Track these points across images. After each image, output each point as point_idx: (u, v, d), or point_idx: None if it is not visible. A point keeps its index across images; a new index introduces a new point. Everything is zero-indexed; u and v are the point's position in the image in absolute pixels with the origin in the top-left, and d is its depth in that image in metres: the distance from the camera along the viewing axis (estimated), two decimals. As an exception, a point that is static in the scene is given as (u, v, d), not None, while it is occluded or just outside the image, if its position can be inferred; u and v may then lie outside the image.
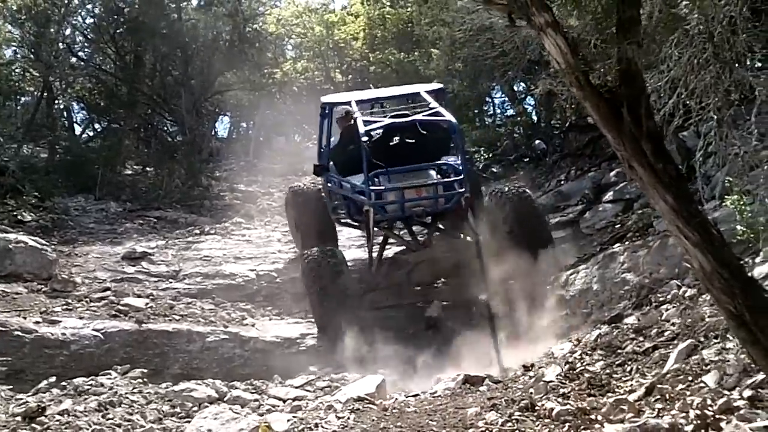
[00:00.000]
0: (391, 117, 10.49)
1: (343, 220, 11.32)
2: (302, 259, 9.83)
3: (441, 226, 10.65)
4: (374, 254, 10.39)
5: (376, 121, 10.18)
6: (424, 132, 10.27)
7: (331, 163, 10.97)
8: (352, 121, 10.33)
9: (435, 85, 11.94)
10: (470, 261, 9.53)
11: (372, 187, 9.64)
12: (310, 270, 9.44)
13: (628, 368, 5.40)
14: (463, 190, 9.65)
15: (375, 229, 10.19)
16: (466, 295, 9.50)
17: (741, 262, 3.83)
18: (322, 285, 9.24)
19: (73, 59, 20.23)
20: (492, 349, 7.80)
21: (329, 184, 11.05)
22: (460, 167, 9.86)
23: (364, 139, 9.58)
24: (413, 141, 10.25)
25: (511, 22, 3.48)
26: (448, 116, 10.06)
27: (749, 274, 3.70)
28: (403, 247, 10.96)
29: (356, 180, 10.11)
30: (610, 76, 3.47)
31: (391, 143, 10.19)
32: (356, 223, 11.07)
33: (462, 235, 10.48)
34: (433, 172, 10.09)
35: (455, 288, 9.94)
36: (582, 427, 4.17)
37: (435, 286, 10.48)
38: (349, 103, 10.92)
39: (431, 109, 10.29)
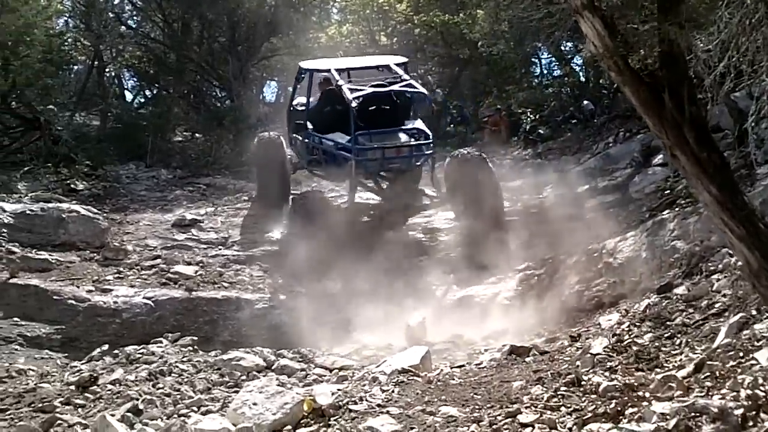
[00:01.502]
0: (372, 86, 11.59)
1: (316, 171, 12.89)
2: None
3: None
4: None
5: (359, 89, 11.36)
6: (396, 100, 11.77)
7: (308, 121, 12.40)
8: (333, 86, 11.81)
9: (402, 58, 13.36)
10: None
11: (358, 146, 11.01)
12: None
13: (677, 341, 5.31)
14: (432, 152, 11.41)
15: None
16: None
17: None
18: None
19: (122, 28, 20.47)
20: None
21: (307, 140, 12.45)
22: (429, 132, 11.57)
23: (354, 104, 10.99)
24: (388, 107, 11.65)
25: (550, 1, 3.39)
26: (422, 89, 11.78)
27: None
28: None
29: (338, 138, 11.52)
30: (650, 58, 3.32)
31: (370, 108, 11.48)
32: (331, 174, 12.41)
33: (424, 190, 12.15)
34: (404, 135, 11.53)
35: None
36: (629, 404, 4.08)
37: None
38: (329, 71, 12.23)
39: (404, 81, 11.76)
